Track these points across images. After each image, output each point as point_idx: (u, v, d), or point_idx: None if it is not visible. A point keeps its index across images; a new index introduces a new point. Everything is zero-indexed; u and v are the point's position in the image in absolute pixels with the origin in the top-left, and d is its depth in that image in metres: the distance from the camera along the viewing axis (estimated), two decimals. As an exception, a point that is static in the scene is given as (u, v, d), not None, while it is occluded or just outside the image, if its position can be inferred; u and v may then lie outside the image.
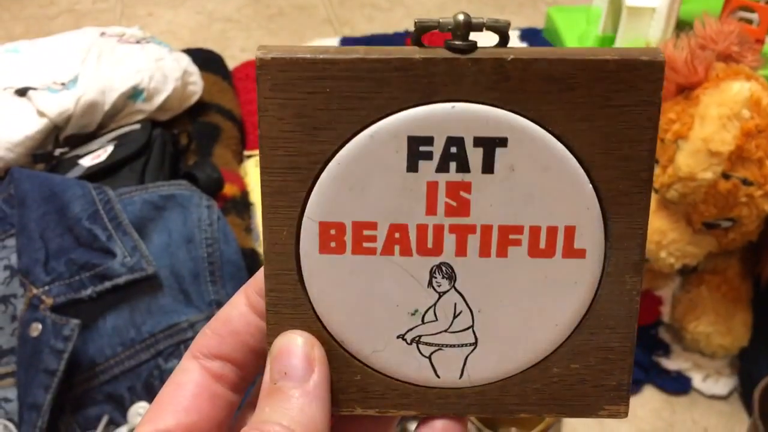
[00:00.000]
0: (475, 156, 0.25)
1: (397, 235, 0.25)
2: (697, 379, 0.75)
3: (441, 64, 0.24)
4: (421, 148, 0.25)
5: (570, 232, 0.25)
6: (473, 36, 0.24)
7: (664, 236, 0.66)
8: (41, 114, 0.84)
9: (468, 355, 0.26)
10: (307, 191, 0.25)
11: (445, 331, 0.26)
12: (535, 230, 0.25)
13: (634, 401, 0.73)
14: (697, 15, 0.71)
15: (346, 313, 0.26)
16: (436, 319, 0.26)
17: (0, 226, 0.72)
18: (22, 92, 0.86)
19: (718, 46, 0.68)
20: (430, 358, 0.26)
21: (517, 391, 0.27)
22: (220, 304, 0.67)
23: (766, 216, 0.65)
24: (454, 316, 0.26)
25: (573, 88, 0.24)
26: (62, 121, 0.84)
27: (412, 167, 0.25)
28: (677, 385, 0.75)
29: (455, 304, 0.26)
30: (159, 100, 0.91)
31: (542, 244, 0.25)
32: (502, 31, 0.24)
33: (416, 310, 0.26)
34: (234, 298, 0.28)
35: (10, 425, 0.61)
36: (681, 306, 0.75)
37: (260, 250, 0.80)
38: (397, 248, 0.25)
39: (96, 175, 0.78)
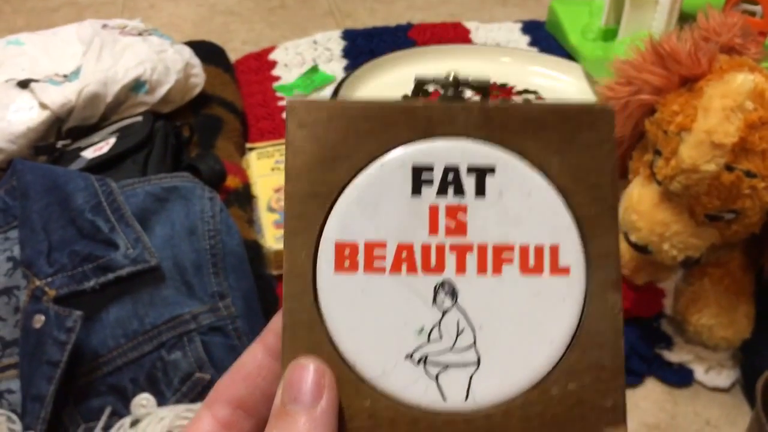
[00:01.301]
0: (469, 182, 0.29)
1: (404, 254, 0.29)
2: (699, 372, 0.75)
3: (438, 109, 0.29)
4: (424, 175, 0.29)
5: (554, 250, 0.29)
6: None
7: (667, 228, 0.66)
8: (43, 106, 0.84)
9: (472, 374, 0.28)
10: (325, 215, 0.29)
11: (450, 350, 0.29)
12: (525, 249, 0.29)
13: (636, 393, 0.74)
14: (700, 7, 0.71)
15: (357, 332, 0.28)
16: (441, 338, 0.28)
17: (2, 218, 0.72)
18: (24, 84, 0.86)
19: (721, 38, 0.68)
20: (436, 379, 0.28)
21: (520, 415, 0.28)
22: (222, 296, 0.68)
23: (769, 208, 0.65)
24: (458, 334, 0.29)
25: (545, 128, 0.29)
26: (64, 113, 0.84)
27: (416, 191, 0.29)
28: (679, 377, 0.75)
29: (458, 321, 0.29)
30: (161, 92, 0.91)
31: (531, 262, 0.29)
32: (484, 86, 0.31)
33: (422, 328, 0.28)
34: (251, 345, 0.30)
35: (14, 416, 0.61)
36: (683, 298, 0.75)
37: (262, 242, 0.80)
38: (404, 266, 0.29)
39: (98, 167, 0.78)
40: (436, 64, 1.16)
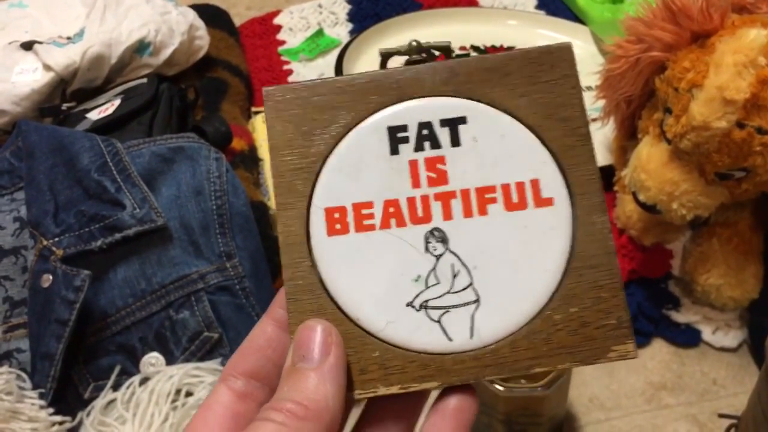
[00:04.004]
0: (443, 134, 0.30)
1: (391, 209, 0.30)
2: (706, 332, 0.75)
3: (405, 72, 0.31)
4: (399, 134, 0.31)
5: (535, 184, 0.30)
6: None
7: (677, 187, 0.65)
8: (47, 68, 0.83)
9: (473, 313, 0.29)
10: (311, 186, 0.30)
11: (448, 292, 0.29)
12: (506, 187, 0.30)
13: (644, 353, 0.74)
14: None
15: (357, 289, 0.30)
16: (438, 282, 0.30)
17: (9, 179, 0.72)
18: (28, 46, 0.85)
19: (733, -4, 0.67)
20: (439, 321, 0.29)
21: (527, 345, 0.29)
22: (229, 256, 0.67)
23: (779, 167, 0.64)
24: (454, 277, 0.30)
25: (508, 74, 0.31)
26: (69, 75, 0.84)
27: (394, 151, 0.30)
28: (686, 337, 0.75)
29: (452, 264, 0.30)
30: (166, 54, 0.91)
31: (515, 198, 0.30)
32: (445, 48, 0.34)
33: (419, 276, 0.30)
34: (260, 320, 0.32)
35: (23, 375, 0.62)
36: (692, 259, 0.75)
37: (269, 204, 0.80)
38: (393, 221, 0.30)
39: (104, 128, 0.77)
40: (443, 27, 1.14)
